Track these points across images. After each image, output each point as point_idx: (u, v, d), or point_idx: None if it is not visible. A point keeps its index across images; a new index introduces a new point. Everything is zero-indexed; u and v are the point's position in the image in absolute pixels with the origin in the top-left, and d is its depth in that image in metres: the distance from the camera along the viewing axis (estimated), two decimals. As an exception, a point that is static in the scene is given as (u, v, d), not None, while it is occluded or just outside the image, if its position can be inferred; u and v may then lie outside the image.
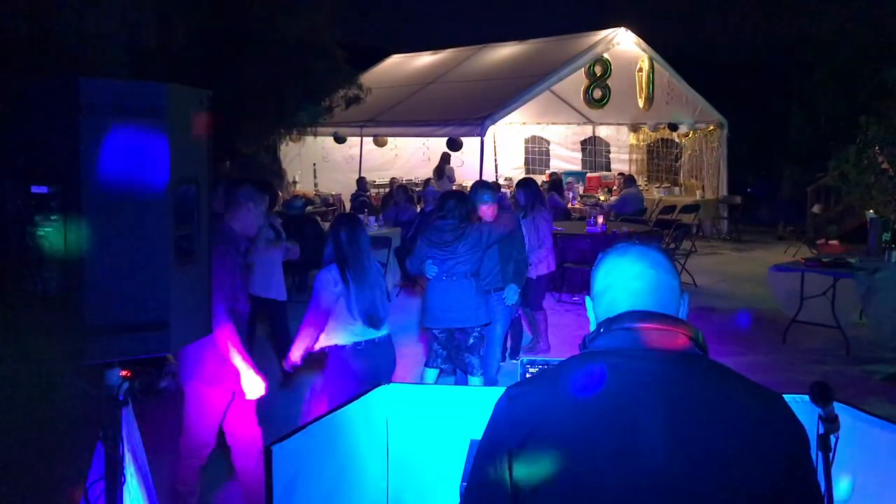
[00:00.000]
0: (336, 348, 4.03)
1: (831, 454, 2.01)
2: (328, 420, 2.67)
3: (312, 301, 4.04)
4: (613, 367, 1.35)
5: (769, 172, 17.70)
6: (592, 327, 1.50)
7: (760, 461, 1.27)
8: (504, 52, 15.85)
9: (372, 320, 4.00)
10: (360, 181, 13.78)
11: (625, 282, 1.46)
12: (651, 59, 13.82)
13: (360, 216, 5.65)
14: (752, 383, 1.37)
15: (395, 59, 18.44)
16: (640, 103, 14.15)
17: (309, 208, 11.98)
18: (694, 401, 1.31)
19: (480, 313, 5.13)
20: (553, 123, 17.51)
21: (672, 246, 10.47)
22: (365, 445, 2.93)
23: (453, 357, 5.20)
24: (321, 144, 14.66)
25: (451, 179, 14.71)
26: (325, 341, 4.08)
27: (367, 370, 3.99)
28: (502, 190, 10.27)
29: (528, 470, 1.32)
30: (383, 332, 4.11)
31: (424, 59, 17.54)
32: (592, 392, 1.33)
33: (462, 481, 2.73)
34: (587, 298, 1.54)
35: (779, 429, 1.31)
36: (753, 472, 1.26)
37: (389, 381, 3.47)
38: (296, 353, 4.04)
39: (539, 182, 15.11)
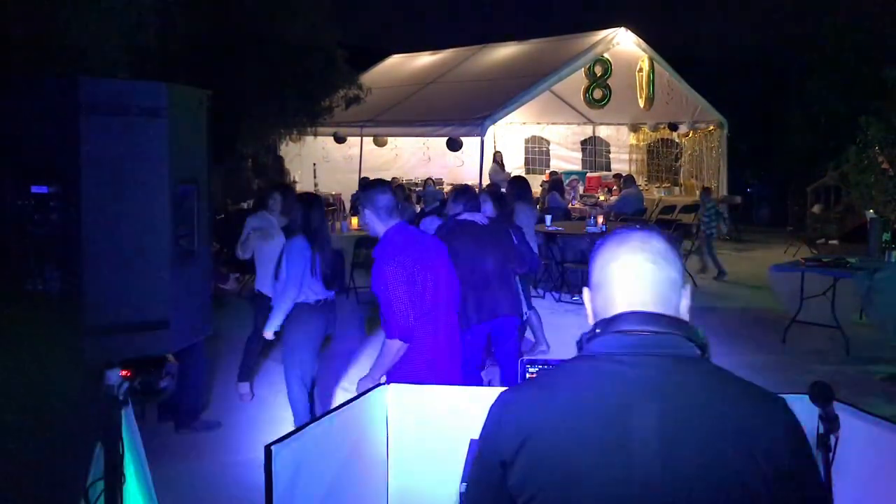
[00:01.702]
0: (300, 304, 4.74)
1: (831, 454, 2.00)
2: (328, 420, 2.66)
3: (291, 266, 4.66)
4: (609, 372, 1.33)
5: (769, 172, 17.69)
6: (590, 320, 1.47)
7: (757, 470, 1.25)
8: (504, 52, 15.84)
9: (327, 282, 4.82)
10: (364, 182, 13.75)
11: (622, 278, 1.40)
12: (651, 59, 13.82)
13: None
14: (753, 387, 1.34)
15: (395, 59, 18.44)
16: (641, 103, 14.16)
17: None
18: (690, 408, 1.28)
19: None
20: (553, 123, 17.51)
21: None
22: (365, 445, 2.93)
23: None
24: (321, 144, 14.66)
25: (490, 178, 14.54)
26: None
27: (321, 324, 4.80)
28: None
29: (521, 480, 1.31)
30: (332, 292, 4.93)
31: (424, 59, 17.54)
32: (587, 399, 1.32)
33: (462, 481, 2.73)
34: (585, 289, 1.50)
35: (778, 436, 1.28)
36: (750, 481, 1.24)
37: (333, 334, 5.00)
38: (279, 319, 4.69)
39: (539, 182, 15.22)
